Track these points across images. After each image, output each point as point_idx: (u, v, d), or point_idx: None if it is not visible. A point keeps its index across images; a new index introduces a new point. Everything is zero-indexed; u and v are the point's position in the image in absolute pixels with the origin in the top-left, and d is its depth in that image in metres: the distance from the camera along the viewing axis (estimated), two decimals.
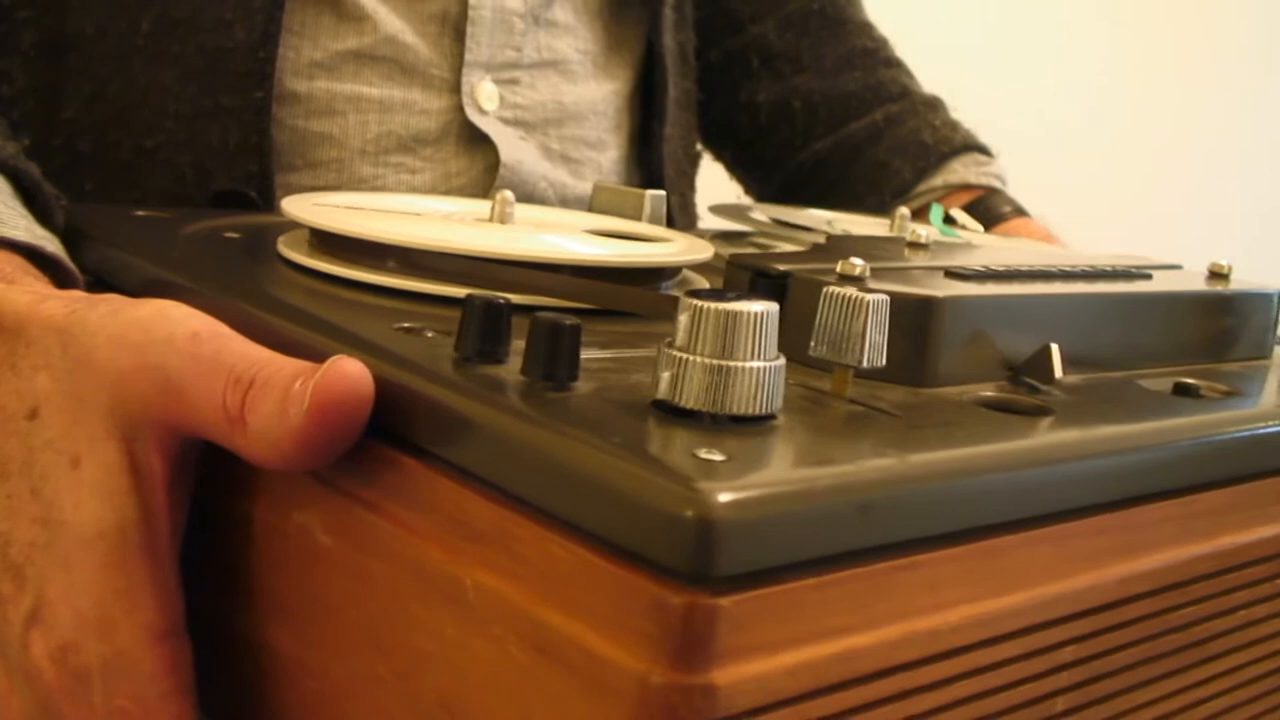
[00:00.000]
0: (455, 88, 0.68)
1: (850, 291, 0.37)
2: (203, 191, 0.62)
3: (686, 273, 0.53)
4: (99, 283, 0.48)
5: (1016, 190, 0.87)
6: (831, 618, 0.31)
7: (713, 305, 0.34)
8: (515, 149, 0.70)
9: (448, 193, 0.68)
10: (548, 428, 0.32)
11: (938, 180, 0.81)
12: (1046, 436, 0.37)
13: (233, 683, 0.42)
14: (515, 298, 0.43)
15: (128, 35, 0.62)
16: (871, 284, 0.41)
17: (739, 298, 0.34)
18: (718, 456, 0.31)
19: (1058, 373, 0.42)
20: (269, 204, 0.62)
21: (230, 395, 0.37)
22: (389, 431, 0.36)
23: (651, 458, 0.31)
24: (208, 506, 0.42)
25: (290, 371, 0.36)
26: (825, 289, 0.38)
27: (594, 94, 0.75)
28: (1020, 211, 0.80)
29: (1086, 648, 0.38)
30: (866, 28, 0.90)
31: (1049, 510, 0.36)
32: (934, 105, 0.86)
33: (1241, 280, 0.54)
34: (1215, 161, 2.23)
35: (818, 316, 0.38)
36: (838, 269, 0.42)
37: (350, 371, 0.35)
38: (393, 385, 0.36)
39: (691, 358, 0.34)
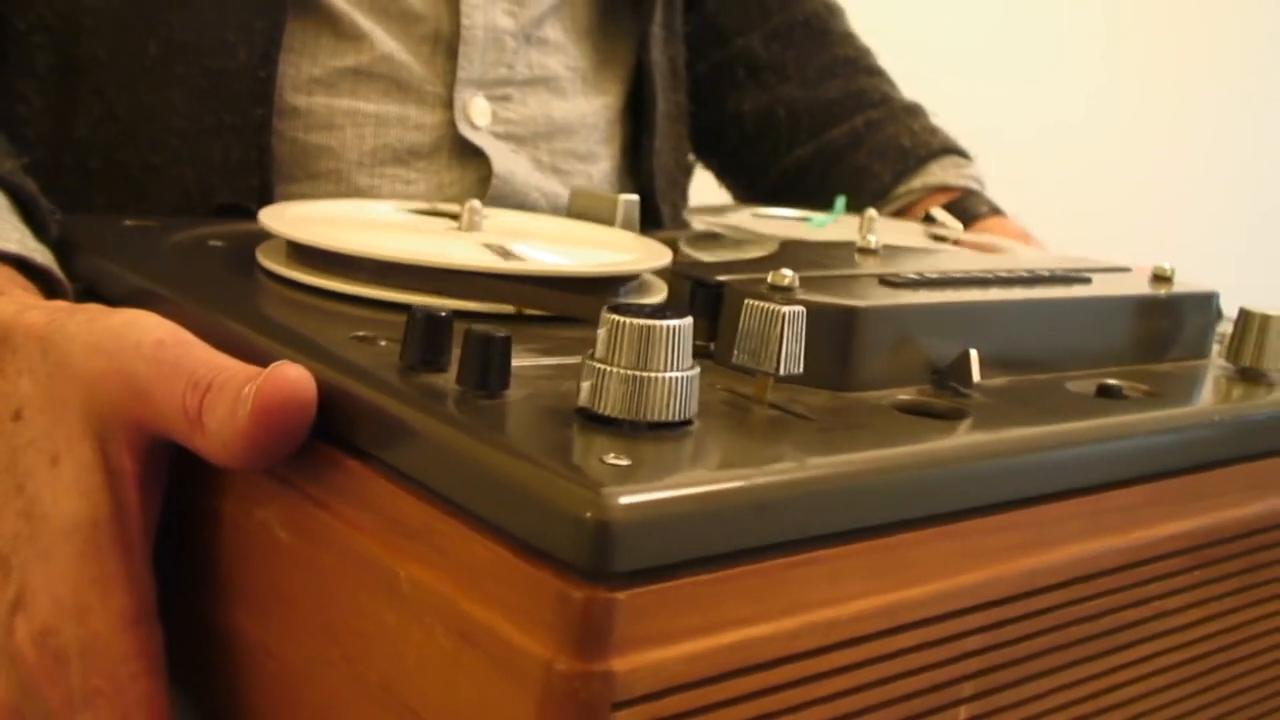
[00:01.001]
0: (448, 103, 0.71)
1: (768, 304, 0.40)
2: (206, 205, 0.65)
3: (648, 278, 0.56)
4: (88, 292, 0.51)
5: (1015, 190, 0.89)
6: (729, 609, 0.34)
7: (629, 320, 0.36)
8: (507, 161, 0.72)
9: (440, 202, 0.71)
10: (471, 433, 0.35)
11: (916, 182, 0.83)
12: (951, 438, 0.40)
13: (203, 664, 0.45)
14: (472, 305, 0.47)
15: (136, 58, 0.65)
16: (800, 294, 0.44)
17: (655, 312, 0.37)
18: (624, 461, 0.34)
19: (976, 376, 0.44)
20: None
21: (189, 398, 0.40)
22: (336, 434, 0.39)
23: (561, 463, 0.34)
24: (181, 504, 0.45)
25: (243, 376, 0.39)
26: (746, 301, 0.40)
27: (584, 108, 0.78)
28: (996, 211, 0.82)
29: (993, 637, 0.40)
30: (849, 38, 0.92)
31: (952, 508, 0.39)
32: (914, 111, 0.88)
33: (1183, 283, 0.56)
34: (1213, 162, 2.23)
35: (740, 325, 0.40)
36: (769, 279, 0.44)
37: (291, 376, 0.38)
38: (337, 391, 0.39)
39: (609, 369, 0.36)
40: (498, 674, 0.33)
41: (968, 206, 0.81)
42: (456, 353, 0.39)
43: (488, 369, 0.38)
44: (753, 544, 0.34)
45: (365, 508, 0.38)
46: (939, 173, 0.83)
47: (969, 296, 0.47)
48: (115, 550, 0.42)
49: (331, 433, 0.39)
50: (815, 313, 0.41)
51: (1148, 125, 2.13)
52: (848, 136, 0.86)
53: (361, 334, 0.43)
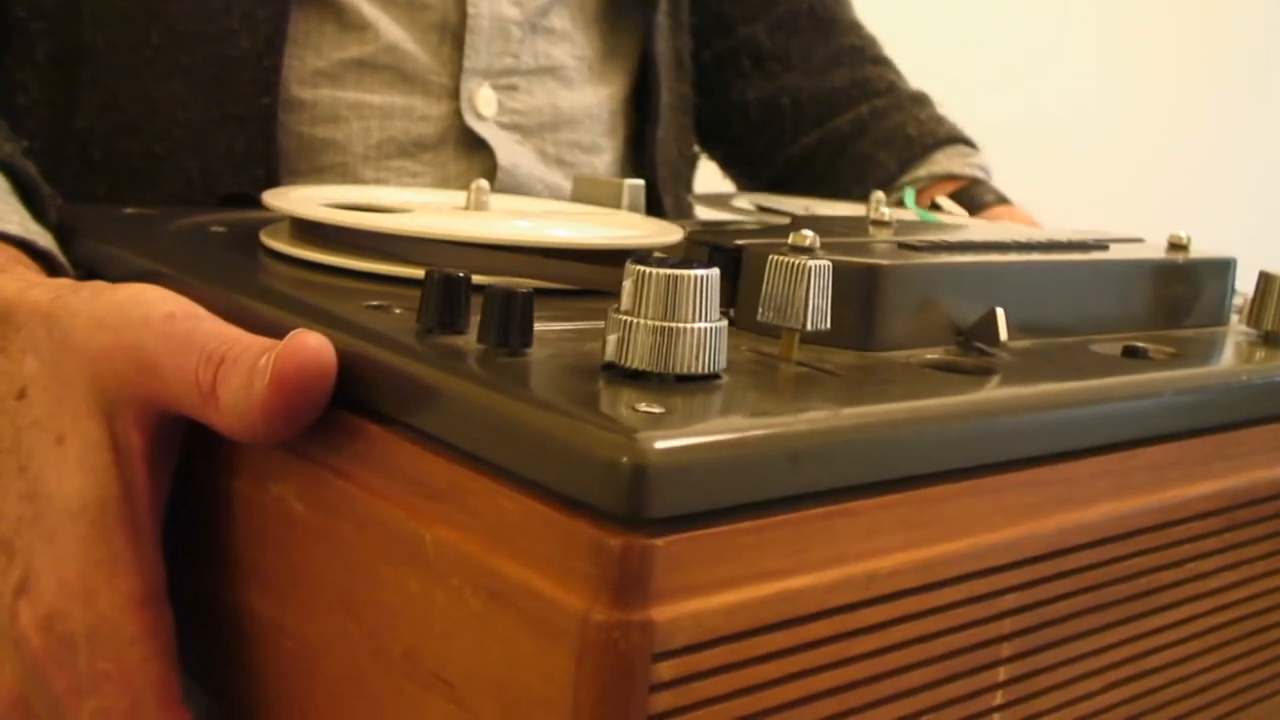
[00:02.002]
0: (454, 94, 0.70)
1: (793, 258, 0.39)
2: (211, 196, 0.64)
3: (660, 255, 0.55)
4: (89, 276, 0.50)
5: (1020, 180, 0.89)
6: (767, 560, 0.33)
7: (656, 270, 0.35)
8: (512, 153, 0.71)
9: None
10: (496, 388, 0.34)
11: (921, 171, 0.83)
12: (981, 392, 0.39)
13: (216, 647, 0.44)
14: (487, 279, 0.45)
15: (138, 46, 0.64)
16: (821, 254, 0.43)
17: (681, 263, 0.36)
18: (657, 409, 0.33)
19: (1003, 335, 0.43)
20: None
21: (203, 371, 0.39)
22: (355, 401, 0.38)
23: (592, 411, 0.33)
24: (192, 483, 0.44)
25: (258, 348, 0.38)
26: (771, 257, 0.39)
27: (589, 99, 0.77)
28: (1003, 200, 0.81)
29: (1028, 595, 0.39)
30: (855, 27, 0.92)
31: (985, 462, 0.38)
32: (920, 100, 0.88)
33: (1200, 250, 0.55)
34: (1216, 154, 2.24)
35: (764, 283, 0.39)
36: (789, 240, 0.43)
37: (310, 343, 0.37)
38: (356, 356, 0.38)
39: (636, 320, 0.35)
40: (531, 631, 0.32)
41: (974, 195, 0.80)
42: (474, 319, 0.38)
43: (509, 326, 0.37)
44: (789, 493, 0.33)
45: (387, 473, 0.37)
46: (944, 161, 0.83)
47: (992, 259, 0.47)
48: (123, 530, 0.41)
49: (350, 400, 0.38)
50: (839, 272, 0.40)
51: (1151, 113, 2.13)
52: (853, 125, 0.86)
53: (376, 303, 0.42)
